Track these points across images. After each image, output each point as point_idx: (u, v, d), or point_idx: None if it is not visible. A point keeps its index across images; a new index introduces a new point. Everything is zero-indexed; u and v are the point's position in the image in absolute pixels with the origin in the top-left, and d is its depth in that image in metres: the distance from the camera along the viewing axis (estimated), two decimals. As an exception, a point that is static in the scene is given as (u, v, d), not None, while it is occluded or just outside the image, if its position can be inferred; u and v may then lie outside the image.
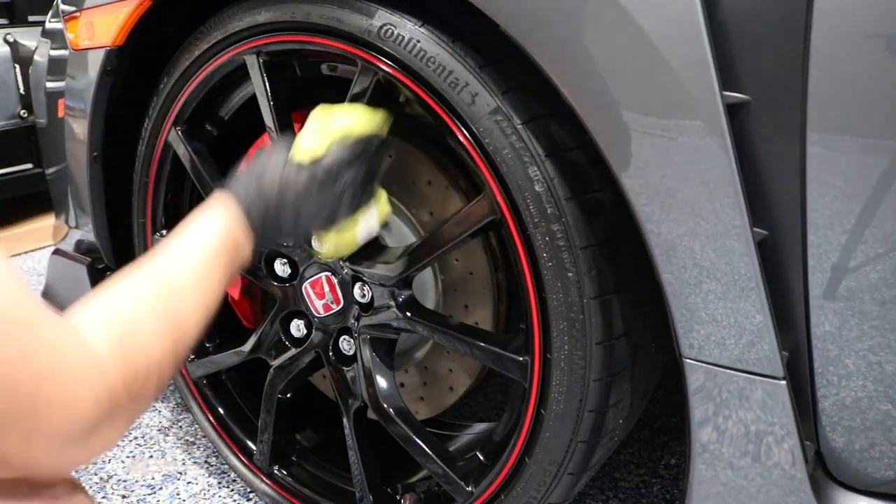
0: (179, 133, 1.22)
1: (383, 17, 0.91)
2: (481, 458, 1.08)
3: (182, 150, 1.22)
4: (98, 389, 0.56)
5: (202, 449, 1.60)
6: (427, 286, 1.15)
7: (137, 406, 0.62)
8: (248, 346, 1.27)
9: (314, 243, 0.97)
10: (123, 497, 1.46)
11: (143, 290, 0.68)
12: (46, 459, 0.55)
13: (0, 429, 0.50)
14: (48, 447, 0.54)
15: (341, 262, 1.09)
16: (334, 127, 0.92)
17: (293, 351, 1.22)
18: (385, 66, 0.93)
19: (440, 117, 0.90)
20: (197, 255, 0.76)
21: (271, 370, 1.24)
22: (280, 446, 1.32)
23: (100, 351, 0.58)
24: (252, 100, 1.14)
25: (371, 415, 1.14)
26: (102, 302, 0.64)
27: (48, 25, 1.55)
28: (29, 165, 3.04)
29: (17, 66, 2.92)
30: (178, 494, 1.45)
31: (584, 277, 0.84)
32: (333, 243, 0.96)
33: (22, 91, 2.94)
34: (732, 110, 0.70)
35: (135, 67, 1.27)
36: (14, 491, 0.57)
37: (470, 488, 1.05)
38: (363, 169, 0.91)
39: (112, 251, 1.42)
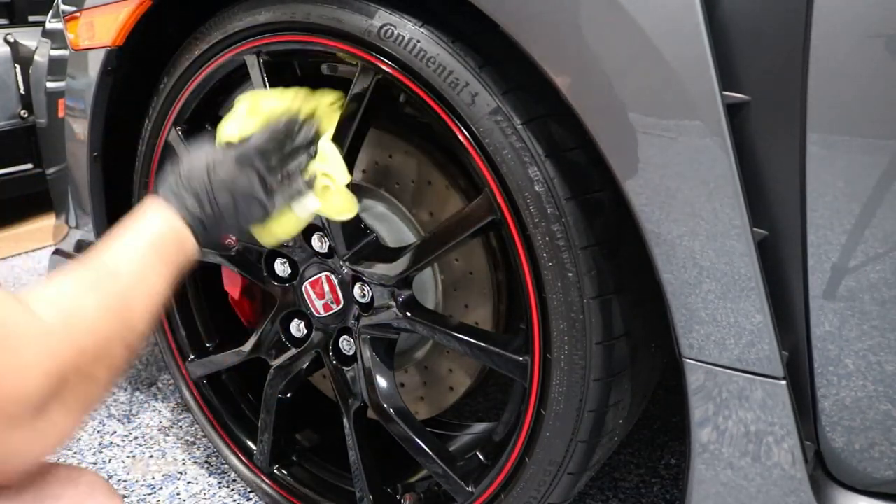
0: (180, 133, 1.22)
1: (383, 18, 0.91)
2: (481, 458, 1.08)
3: (182, 151, 1.22)
4: (45, 360, 0.55)
5: (202, 449, 1.60)
6: (427, 286, 1.15)
7: (89, 390, 0.61)
8: (248, 346, 1.27)
9: (254, 231, 0.95)
10: (123, 497, 1.46)
11: (85, 274, 0.68)
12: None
13: None
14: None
15: (341, 262, 1.09)
16: (261, 109, 0.93)
17: (293, 351, 1.22)
18: (385, 67, 0.93)
19: (440, 117, 0.90)
20: (136, 243, 0.76)
21: (271, 370, 1.24)
22: (280, 446, 1.32)
23: (47, 322, 0.57)
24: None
25: (371, 415, 1.14)
26: (48, 284, 0.65)
27: (48, 25, 1.55)
28: (29, 165, 3.04)
29: (18, 66, 2.92)
30: (178, 494, 1.45)
31: (584, 277, 0.84)
32: (273, 228, 0.94)
33: (22, 91, 2.94)
34: (732, 110, 0.70)
35: (135, 67, 1.27)
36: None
37: (470, 488, 1.05)
38: (292, 148, 0.91)
39: (112, 251, 1.42)
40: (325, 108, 0.99)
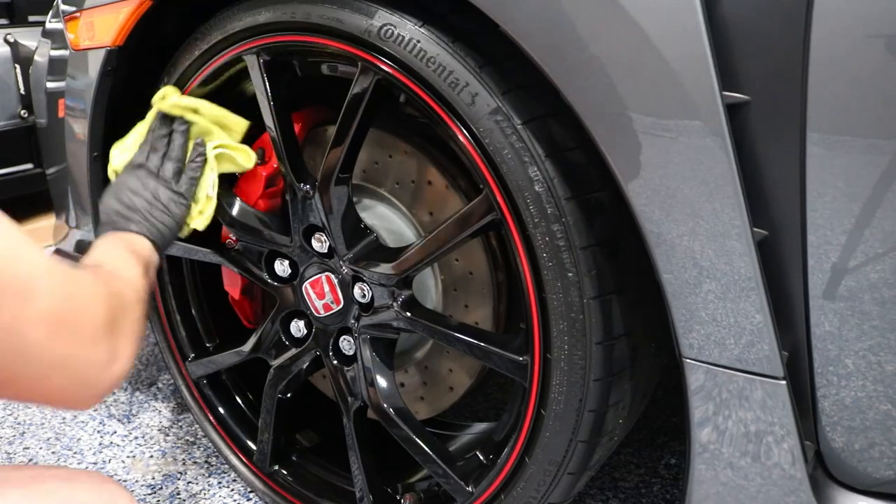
0: (179, 133, 1.21)
1: (383, 18, 0.91)
2: (481, 458, 1.08)
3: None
4: (101, 298, 0.73)
5: (202, 449, 1.60)
6: (427, 286, 1.15)
7: (131, 321, 0.78)
8: (248, 346, 1.27)
9: (189, 220, 1.10)
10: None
11: (88, 259, 0.90)
12: (92, 367, 0.69)
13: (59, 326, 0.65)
14: (91, 352, 0.69)
15: (341, 262, 1.09)
16: (137, 128, 1.12)
17: (293, 351, 1.22)
18: (385, 67, 0.93)
19: (440, 117, 0.90)
20: (112, 247, 0.96)
21: (271, 370, 1.24)
22: (280, 446, 1.32)
23: (100, 268, 0.85)
24: (252, 100, 1.14)
25: (371, 415, 1.14)
26: (95, 251, 0.92)
27: (48, 25, 1.55)
28: (29, 165, 3.04)
29: (18, 66, 2.92)
30: (178, 494, 1.45)
31: (584, 277, 0.84)
32: (198, 210, 1.10)
33: (22, 91, 2.94)
34: (732, 110, 0.70)
35: (135, 67, 1.27)
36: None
37: (470, 488, 1.05)
38: (162, 142, 1.08)
39: (112, 251, 1.42)
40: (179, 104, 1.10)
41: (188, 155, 1.08)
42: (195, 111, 1.08)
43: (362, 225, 1.09)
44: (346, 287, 1.11)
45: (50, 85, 1.47)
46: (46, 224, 2.85)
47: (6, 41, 2.90)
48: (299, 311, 1.20)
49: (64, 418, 1.75)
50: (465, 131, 0.88)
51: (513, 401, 1.07)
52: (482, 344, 0.98)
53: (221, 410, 1.41)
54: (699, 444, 0.82)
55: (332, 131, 1.03)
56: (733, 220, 0.71)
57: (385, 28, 0.91)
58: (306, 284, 1.16)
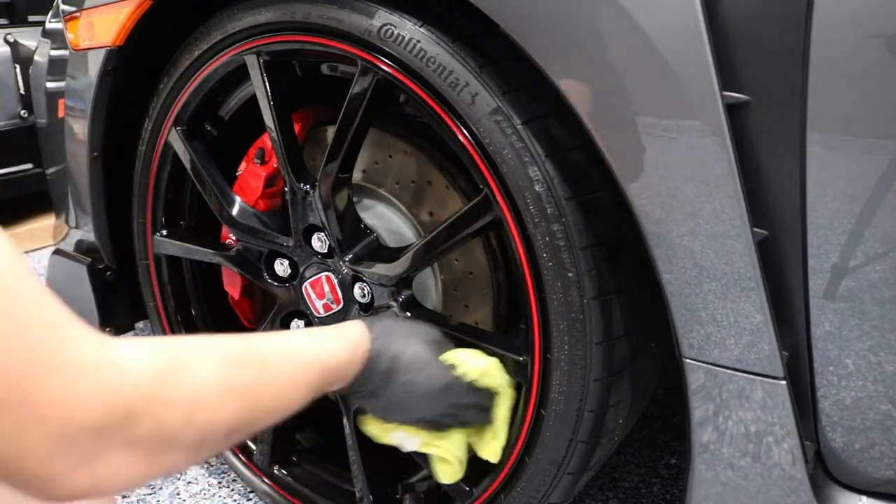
0: (179, 133, 1.22)
1: (383, 17, 0.91)
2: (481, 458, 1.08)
3: (182, 151, 1.22)
4: (110, 393, 0.53)
5: (202, 449, 1.60)
6: (427, 286, 1.15)
7: (166, 448, 0.57)
8: (248, 346, 1.27)
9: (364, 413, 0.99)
10: (123, 496, 1.46)
11: (232, 347, 0.67)
12: (40, 460, 0.51)
13: None
14: (44, 445, 0.50)
15: (342, 262, 1.09)
16: (494, 379, 0.93)
17: (293, 351, 1.22)
18: (385, 67, 0.93)
19: (440, 117, 0.90)
20: (308, 354, 0.77)
21: (271, 370, 1.24)
22: (280, 446, 1.32)
23: (128, 361, 0.55)
24: (252, 100, 1.14)
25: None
26: (168, 339, 0.64)
27: (48, 25, 1.55)
28: (29, 165, 3.04)
29: (18, 66, 2.92)
30: (178, 494, 1.45)
31: (584, 277, 0.84)
32: (375, 425, 0.99)
33: (22, 91, 2.94)
34: (732, 110, 0.70)
35: (135, 67, 1.27)
36: None
37: (470, 488, 1.04)
38: (464, 420, 0.93)
39: (112, 251, 1.43)
40: (506, 387, 0.96)
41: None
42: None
43: (362, 225, 1.09)
44: (346, 287, 1.11)
45: (50, 85, 1.47)
46: (46, 224, 2.85)
47: (6, 41, 2.90)
48: (299, 311, 1.20)
49: (64, 418, 1.75)
50: (465, 131, 0.88)
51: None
52: (482, 344, 0.98)
53: (221, 410, 1.41)
54: (699, 444, 0.82)
55: (332, 131, 1.03)
56: (733, 220, 0.71)
57: (385, 28, 0.91)
58: (306, 284, 1.16)
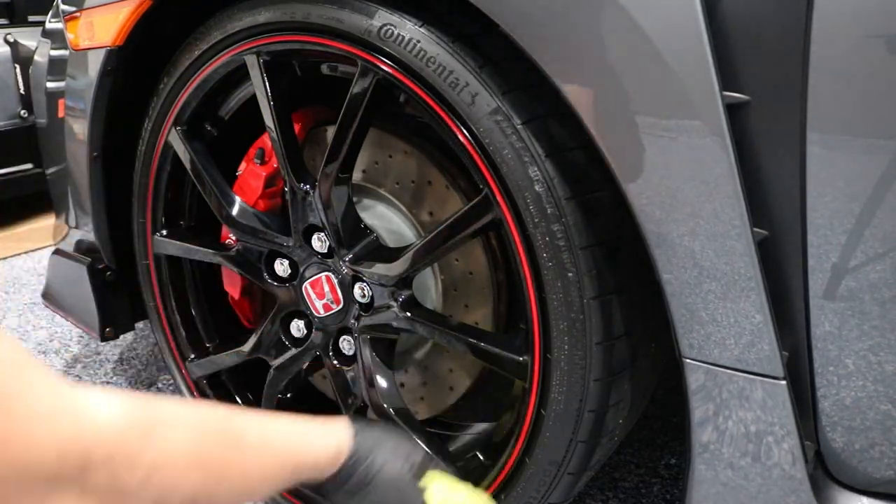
0: (179, 133, 1.22)
1: (383, 18, 0.91)
2: (481, 458, 1.08)
3: (182, 151, 1.22)
4: (65, 442, 0.53)
5: (202, 449, 1.60)
6: (427, 286, 1.15)
7: (122, 500, 0.57)
8: (248, 346, 1.27)
9: None
10: None
11: (210, 416, 0.66)
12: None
13: None
14: (4, 489, 0.50)
15: (342, 262, 1.09)
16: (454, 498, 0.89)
17: (293, 351, 1.22)
18: (385, 67, 0.93)
19: (440, 117, 0.90)
20: (287, 441, 0.74)
21: (271, 370, 1.24)
22: (280, 446, 1.32)
23: (93, 411, 0.56)
24: (252, 100, 1.14)
25: (371, 415, 1.14)
26: (153, 397, 0.63)
27: (48, 25, 1.55)
28: (29, 165, 3.04)
29: (18, 66, 2.92)
30: (178, 494, 1.45)
31: (584, 277, 0.84)
32: None
33: (22, 91, 2.94)
34: (732, 110, 0.70)
35: (135, 67, 1.27)
36: None
37: (470, 488, 1.04)
38: None
39: (112, 251, 1.42)
40: None
41: None
42: None
43: (362, 225, 1.09)
44: (346, 287, 1.11)
45: (50, 85, 1.47)
46: (46, 224, 2.85)
47: (6, 41, 2.90)
48: (299, 311, 1.20)
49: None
50: (465, 131, 0.88)
51: (513, 401, 1.07)
52: (482, 344, 0.98)
53: (221, 410, 1.41)
54: (699, 444, 0.82)
55: (332, 131, 1.03)
56: (733, 220, 0.71)
57: (385, 28, 0.91)
58: (306, 284, 1.16)
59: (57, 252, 1.59)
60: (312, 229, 1.11)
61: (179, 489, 0.61)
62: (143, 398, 0.62)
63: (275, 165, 1.18)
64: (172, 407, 0.64)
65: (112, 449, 0.56)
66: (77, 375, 1.92)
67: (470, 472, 1.06)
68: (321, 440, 0.80)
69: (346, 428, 0.84)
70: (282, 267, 1.19)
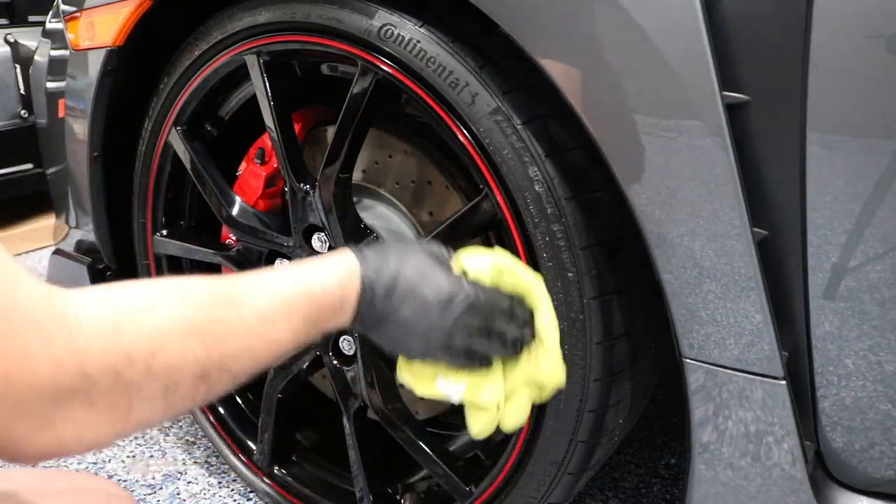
0: (179, 133, 1.22)
1: (383, 18, 0.91)
2: (481, 457, 1.08)
3: (182, 151, 1.22)
4: (60, 351, 0.50)
5: (202, 449, 1.60)
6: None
7: (131, 401, 0.54)
8: (248, 346, 1.26)
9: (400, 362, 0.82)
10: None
11: (195, 288, 0.60)
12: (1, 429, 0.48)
13: None
14: (1, 410, 0.48)
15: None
16: (515, 276, 0.79)
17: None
18: (385, 67, 0.93)
19: (440, 117, 0.90)
20: (285, 286, 0.66)
21: (271, 370, 1.24)
22: (280, 446, 1.32)
23: (75, 316, 0.52)
24: (252, 100, 1.14)
25: (371, 415, 1.14)
26: (122, 285, 0.57)
27: (48, 25, 1.55)
28: (29, 165, 3.04)
29: (18, 66, 2.92)
30: (178, 494, 1.45)
31: (584, 277, 0.84)
32: (412, 373, 0.82)
33: (22, 91, 2.94)
34: (732, 110, 0.70)
35: (135, 67, 1.27)
36: None
37: (470, 488, 1.04)
38: (500, 332, 0.76)
39: (112, 251, 1.42)
40: (537, 287, 0.81)
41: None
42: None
43: (362, 225, 1.09)
44: (346, 287, 1.11)
45: (50, 85, 1.47)
46: (46, 224, 2.85)
47: (6, 41, 2.90)
48: (299, 311, 1.20)
49: (64, 418, 1.75)
50: (465, 131, 0.88)
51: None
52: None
53: (221, 410, 1.41)
54: (699, 444, 0.82)
55: (332, 131, 1.03)
56: (733, 220, 0.71)
57: (385, 28, 0.91)
58: (306, 284, 1.15)
59: (57, 252, 1.59)
60: (312, 229, 1.11)
61: (184, 367, 0.56)
62: (123, 284, 0.57)
63: (275, 165, 1.18)
64: (156, 284, 0.59)
65: (105, 347, 0.52)
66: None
67: (470, 473, 1.06)
68: (326, 271, 0.70)
69: (346, 252, 0.73)
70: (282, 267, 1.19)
